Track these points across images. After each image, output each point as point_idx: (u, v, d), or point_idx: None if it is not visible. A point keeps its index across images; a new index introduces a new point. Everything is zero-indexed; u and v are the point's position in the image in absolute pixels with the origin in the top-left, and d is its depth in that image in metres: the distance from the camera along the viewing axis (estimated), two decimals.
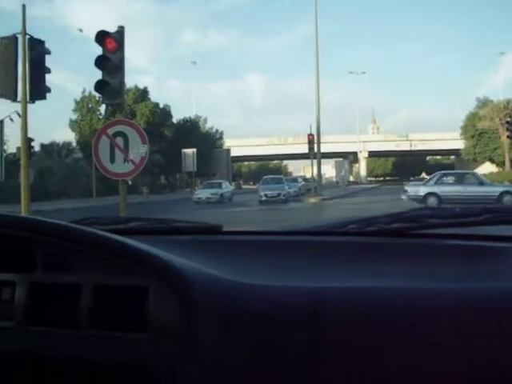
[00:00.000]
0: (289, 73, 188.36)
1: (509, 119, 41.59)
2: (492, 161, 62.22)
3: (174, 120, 59.73)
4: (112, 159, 8.50)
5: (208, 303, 1.38)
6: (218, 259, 1.64)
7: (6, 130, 29.15)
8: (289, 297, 1.39)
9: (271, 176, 41.90)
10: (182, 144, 48.48)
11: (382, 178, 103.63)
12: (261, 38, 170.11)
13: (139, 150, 8.57)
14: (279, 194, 34.74)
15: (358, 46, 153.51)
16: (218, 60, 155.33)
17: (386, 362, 1.27)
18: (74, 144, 51.85)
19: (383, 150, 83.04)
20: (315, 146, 35.73)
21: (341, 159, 75.24)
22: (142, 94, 56.15)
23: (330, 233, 2.01)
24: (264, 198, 34.01)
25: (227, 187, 41.31)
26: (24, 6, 12.44)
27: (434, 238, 1.85)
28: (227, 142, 68.70)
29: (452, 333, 1.27)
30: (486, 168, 61.65)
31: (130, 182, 18.84)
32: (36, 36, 11.48)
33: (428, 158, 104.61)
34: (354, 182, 74.43)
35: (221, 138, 67.22)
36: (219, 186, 39.97)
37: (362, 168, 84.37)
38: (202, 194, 37.17)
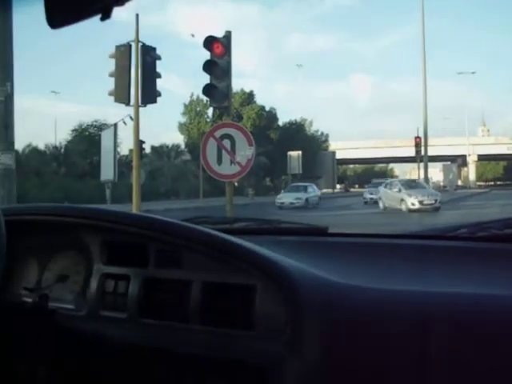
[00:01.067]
0: (395, 74, 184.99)
1: None
2: None
3: (280, 123, 60.08)
4: (219, 161, 8.68)
5: (314, 304, 1.39)
6: (324, 260, 1.65)
7: (120, 133, 30.54)
8: (395, 301, 1.38)
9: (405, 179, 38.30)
10: (288, 146, 48.61)
11: (492, 183, 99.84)
12: (366, 38, 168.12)
13: (245, 152, 8.69)
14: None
15: (468, 45, 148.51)
16: (324, 62, 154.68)
17: (491, 371, 1.23)
18: (183, 146, 53.30)
19: (493, 153, 79.90)
20: (422, 149, 34.88)
21: (449, 163, 73.02)
22: (249, 98, 56.81)
23: (440, 237, 1.98)
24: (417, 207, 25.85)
25: (314, 191, 37.14)
26: (137, 16, 13.02)
27: None
28: (332, 145, 68.25)
29: None
30: None
31: (236, 184, 19.17)
32: (148, 43, 11.95)
33: None
34: (462, 187, 72.05)
35: (326, 140, 66.90)
36: (304, 189, 35.96)
37: (470, 172, 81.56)
38: (285, 198, 33.57)
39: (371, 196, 35.04)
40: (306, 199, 34.09)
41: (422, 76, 35.36)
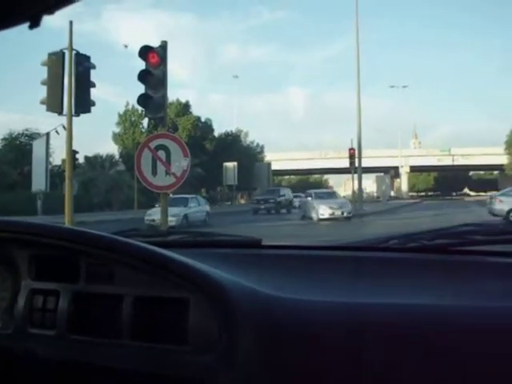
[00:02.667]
0: (330, 86, 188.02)
1: None
2: None
3: (216, 134, 60.03)
4: (154, 172, 8.61)
5: (247, 317, 1.38)
6: (258, 273, 1.65)
7: (52, 143, 29.93)
8: (328, 312, 1.38)
9: (323, 190, 39.46)
10: (223, 157, 48.77)
11: (423, 194, 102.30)
12: (302, 51, 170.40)
13: (181, 163, 8.65)
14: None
15: (399, 59, 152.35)
16: (260, 74, 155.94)
17: (429, 381, 1.25)
18: (117, 156, 52.49)
19: (425, 164, 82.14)
20: (356, 161, 35.53)
21: (382, 174, 74.60)
22: (184, 108, 56.65)
23: (371, 248, 2.00)
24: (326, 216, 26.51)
25: (198, 205, 29.14)
26: (71, 23, 12.75)
27: (476, 254, 1.81)
28: (268, 156, 68.72)
29: (495, 352, 1.25)
30: None
31: (171, 195, 18.93)
32: (82, 51, 11.74)
33: (471, 173, 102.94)
34: (395, 197, 73.63)
35: (262, 151, 67.27)
36: (185, 203, 27.24)
37: (403, 183, 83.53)
38: (156, 214, 20.56)
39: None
40: (185, 216, 26.01)
41: (355, 89, 36.07)
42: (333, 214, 26.83)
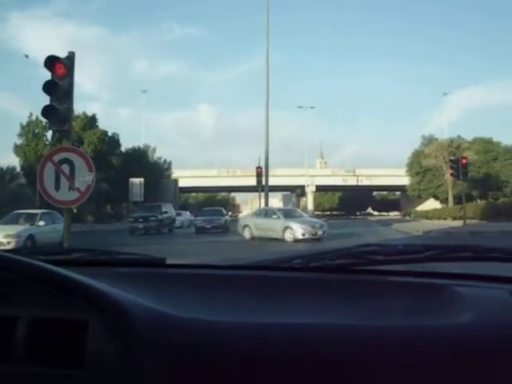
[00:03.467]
0: (239, 105, 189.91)
1: (452, 157, 42.68)
2: (436, 197, 63.88)
3: (123, 149, 59.36)
4: (57, 186, 8.35)
5: (148, 338, 1.35)
6: (160, 293, 1.61)
7: None
8: (231, 332, 1.38)
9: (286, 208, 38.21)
10: (130, 173, 48.07)
11: (328, 212, 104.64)
12: (213, 69, 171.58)
13: (85, 178, 8.45)
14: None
15: (307, 81, 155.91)
16: (170, 90, 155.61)
17: None
18: (18, 169, 50.86)
19: (330, 184, 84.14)
20: (263, 179, 35.94)
21: (288, 192, 75.88)
22: (91, 122, 55.58)
23: (275, 268, 2.00)
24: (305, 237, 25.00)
25: (50, 222, 22.77)
26: None
27: (378, 274, 1.87)
28: (175, 173, 68.46)
29: (393, 369, 1.29)
30: (431, 204, 63.14)
31: (75, 211, 18.40)
32: None
33: (374, 193, 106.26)
34: None
35: (169, 168, 67.02)
36: (31, 219, 22.51)
37: (309, 202, 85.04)
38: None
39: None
40: (31, 236, 20.95)
41: (264, 108, 36.52)
42: (315, 233, 25.32)
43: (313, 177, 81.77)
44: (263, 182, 36.12)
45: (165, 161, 66.28)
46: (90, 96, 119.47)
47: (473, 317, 1.46)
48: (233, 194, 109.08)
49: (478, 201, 53.01)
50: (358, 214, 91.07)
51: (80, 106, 63.13)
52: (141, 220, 34.06)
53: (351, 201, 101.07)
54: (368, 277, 1.85)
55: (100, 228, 37.50)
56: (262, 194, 37.03)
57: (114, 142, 57.25)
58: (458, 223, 37.45)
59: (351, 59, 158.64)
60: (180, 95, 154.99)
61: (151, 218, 34.50)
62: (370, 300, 1.64)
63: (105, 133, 55.97)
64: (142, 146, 63.36)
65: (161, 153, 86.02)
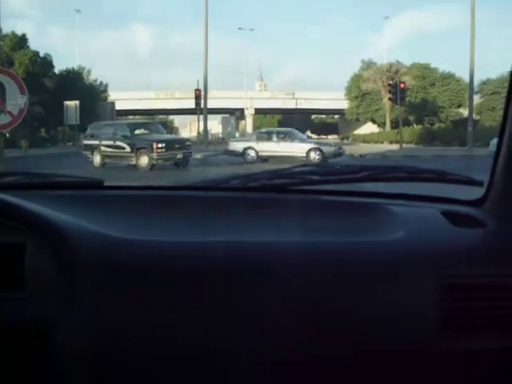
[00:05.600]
0: (177, 26, 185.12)
1: (391, 82, 43.07)
2: (374, 121, 64.64)
3: (56, 71, 57.16)
4: None
5: (88, 259, 1.35)
6: (99, 214, 1.60)
7: None
8: (171, 252, 1.41)
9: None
10: (65, 96, 46.61)
11: None
12: None
13: (17, 100, 8.18)
14: None
15: (247, 2, 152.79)
16: (103, 9, 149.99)
17: (256, 312, 1.37)
18: None
19: (270, 107, 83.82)
20: (202, 102, 35.56)
21: (227, 115, 75.35)
22: (21, 42, 53.09)
23: (214, 188, 2.02)
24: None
25: None
26: None
27: (314, 194, 1.91)
28: (112, 95, 66.68)
29: (328, 281, 1.40)
30: (369, 128, 63.90)
31: (7, 135, 17.84)
32: None
33: (313, 116, 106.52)
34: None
35: (105, 90, 65.14)
36: None
37: (248, 124, 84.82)
38: None
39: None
40: None
41: (203, 29, 35.78)
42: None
43: (252, 99, 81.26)
44: (202, 105, 35.76)
45: (101, 83, 64.36)
46: (18, 14, 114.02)
47: (404, 234, 1.52)
48: (171, 117, 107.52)
49: (415, 125, 53.96)
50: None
51: (8, 25, 60.44)
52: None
53: (290, 124, 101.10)
54: (304, 196, 1.89)
55: (35, 153, 36.45)
56: (201, 116, 36.74)
57: (46, 63, 55.02)
58: (395, 147, 38.21)
59: None
60: (115, 14, 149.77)
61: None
62: (305, 218, 1.69)
63: (36, 54, 53.69)
64: (76, 67, 61.29)
65: (96, 75, 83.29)
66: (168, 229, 1.58)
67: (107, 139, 24.23)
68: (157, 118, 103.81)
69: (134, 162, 22.94)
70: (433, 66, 62.05)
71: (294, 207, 1.77)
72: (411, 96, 52.38)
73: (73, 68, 60.43)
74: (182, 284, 1.36)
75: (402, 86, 37.58)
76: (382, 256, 1.47)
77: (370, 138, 55.98)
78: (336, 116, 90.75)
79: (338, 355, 1.39)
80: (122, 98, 71.67)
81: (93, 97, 57.51)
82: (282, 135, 27.81)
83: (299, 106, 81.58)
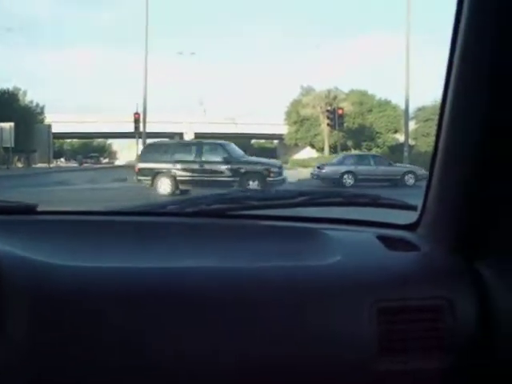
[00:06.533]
0: (117, 48, 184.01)
1: (329, 108, 43.85)
2: (313, 146, 65.42)
3: None
4: None
5: (17, 285, 1.33)
6: (31, 240, 1.57)
7: None
8: (104, 277, 1.40)
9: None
10: None
11: None
12: (89, 8, 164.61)
13: None
14: None
15: (188, 26, 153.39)
16: (41, 28, 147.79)
17: (172, 340, 1.36)
18: None
19: (209, 131, 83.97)
20: (141, 125, 35.40)
21: (167, 140, 75.14)
22: None
23: (151, 213, 2.00)
24: None
25: None
26: None
27: (252, 218, 1.92)
28: (49, 118, 65.59)
29: (267, 307, 1.40)
30: (307, 153, 64.68)
31: None
32: None
33: (253, 141, 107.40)
34: None
35: (42, 112, 64.17)
36: None
37: None
38: None
39: None
40: None
41: (143, 52, 35.75)
42: None
43: (192, 124, 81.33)
44: (141, 129, 35.56)
45: (37, 105, 63.44)
46: None
47: (340, 258, 1.53)
48: (110, 141, 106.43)
49: (353, 150, 54.87)
50: None
51: None
52: None
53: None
54: (243, 221, 1.90)
55: None
56: (140, 140, 36.53)
57: None
58: None
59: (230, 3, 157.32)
60: (53, 35, 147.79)
61: None
62: (244, 244, 1.68)
63: None
64: (11, 88, 60.14)
65: (32, 96, 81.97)
66: (102, 254, 1.56)
67: (185, 162, 21.29)
68: (95, 142, 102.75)
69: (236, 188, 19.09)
70: (370, 92, 63.54)
71: (232, 232, 1.77)
72: (349, 122, 53.33)
73: (8, 89, 59.26)
74: (104, 310, 1.35)
75: (340, 111, 38.35)
76: (319, 280, 1.48)
77: (309, 163, 56.66)
78: (275, 141, 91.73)
79: (272, 380, 1.39)
80: (60, 121, 70.55)
81: (28, 119, 56.42)
82: (379, 159, 30.09)
83: (239, 131, 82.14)
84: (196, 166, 21.32)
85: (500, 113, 1.35)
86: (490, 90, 1.33)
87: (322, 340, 1.42)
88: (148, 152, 22.61)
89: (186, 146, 23.32)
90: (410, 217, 1.84)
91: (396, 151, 46.86)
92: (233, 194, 2.05)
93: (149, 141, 36.93)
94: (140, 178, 21.38)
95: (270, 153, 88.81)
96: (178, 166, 21.13)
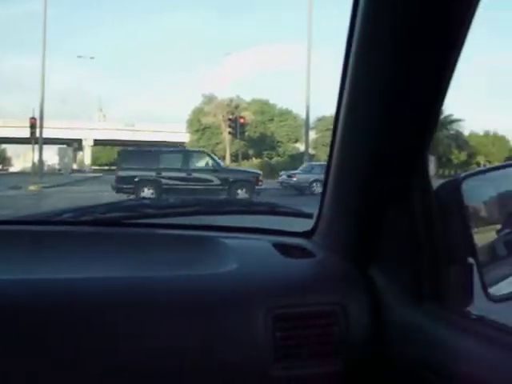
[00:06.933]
0: (13, 50, 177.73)
1: (231, 116, 44.05)
2: (214, 154, 65.41)
3: None
4: None
5: None
6: None
7: None
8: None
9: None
10: None
11: (107, 167, 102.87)
12: None
13: None
14: None
15: (88, 31, 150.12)
16: None
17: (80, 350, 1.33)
18: None
19: (109, 138, 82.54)
20: (37, 131, 34.31)
21: (64, 146, 73.28)
22: None
23: (45, 222, 1.94)
24: None
25: None
26: None
27: (148, 227, 1.89)
28: None
29: (160, 315, 1.39)
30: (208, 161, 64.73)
31: None
32: None
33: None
34: (78, 170, 72.84)
35: None
36: None
37: (86, 156, 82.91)
38: None
39: None
40: None
41: (41, 55, 34.73)
42: None
43: (91, 130, 79.68)
44: (37, 134, 34.47)
45: None
46: None
47: (237, 266, 1.54)
48: (3, 146, 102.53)
49: (254, 159, 55.43)
50: None
51: None
52: None
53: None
54: (138, 230, 1.87)
55: None
56: (36, 146, 35.42)
57: None
58: None
59: (130, 11, 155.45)
60: None
61: None
62: (139, 253, 1.65)
63: None
64: None
65: None
66: None
67: (169, 170, 20.94)
68: None
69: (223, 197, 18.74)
70: (272, 102, 64.39)
71: (128, 241, 1.75)
72: (251, 130, 53.86)
73: None
74: (7, 321, 1.30)
75: (242, 120, 38.61)
76: (215, 289, 1.48)
77: None
78: None
79: None
80: None
81: None
82: None
83: (140, 138, 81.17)
84: (183, 175, 20.99)
85: (389, 125, 1.40)
86: (381, 101, 1.38)
87: (218, 348, 1.41)
88: (128, 159, 21.98)
89: (169, 154, 23.06)
90: (309, 224, 1.88)
91: (297, 160, 47.70)
92: (128, 203, 2.03)
93: (46, 147, 35.96)
94: (120, 186, 20.52)
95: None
96: (164, 174, 20.79)
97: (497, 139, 60.86)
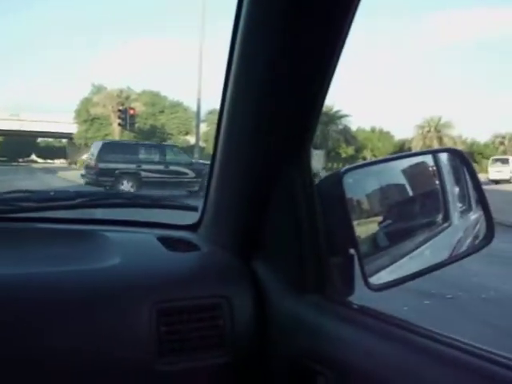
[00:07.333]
0: None
1: (121, 107, 43.29)
2: None
3: None
4: None
5: None
6: None
7: None
8: None
9: None
10: None
11: None
12: None
13: None
14: None
15: None
16: None
17: None
18: None
19: None
20: None
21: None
22: None
23: None
24: None
25: None
26: None
27: (27, 221, 1.83)
28: None
29: (33, 310, 1.35)
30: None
31: None
32: None
33: (39, 139, 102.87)
34: None
35: None
36: None
37: None
38: None
39: None
40: None
41: None
42: None
43: None
44: None
45: None
46: None
47: (120, 261, 1.51)
48: None
49: None
50: (20, 160, 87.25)
51: None
52: None
53: (13, 146, 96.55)
54: (17, 224, 1.80)
55: None
56: None
57: None
58: None
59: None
60: None
61: None
62: (17, 248, 1.59)
63: None
64: None
65: None
66: None
67: (149, 163, 21.66)
68: None
69: (196, 188, 20.14)
70: (163, 94, 63.88)
71: (5, 236, 1.69)
72: (141, 122, 53.23)
73: None
74: None
75: (132, 112, 38.02)
76: (97, 284, 1.45)
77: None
78: (64, 140, 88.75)
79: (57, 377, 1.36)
80: None
81: None
82: None
83: (24, 128, 78.22)
84: (161, 167, 21.96)
85: (272, 118, 1.42)
86: (264, 92, 1.39)
87: (100, 345, 1.39)
88: (107, 152, 22.31)
89: (148, 148, 24.11)
90: (195, 217, 1.87)
91: (187, 153, 47.65)
92: (5, 195, 1.93)
93: None
94: (100, 178, 20.87)
95: (59, 152, 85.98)
96: (144, 166, 21.63)
97: (382, 135, 63.71)
